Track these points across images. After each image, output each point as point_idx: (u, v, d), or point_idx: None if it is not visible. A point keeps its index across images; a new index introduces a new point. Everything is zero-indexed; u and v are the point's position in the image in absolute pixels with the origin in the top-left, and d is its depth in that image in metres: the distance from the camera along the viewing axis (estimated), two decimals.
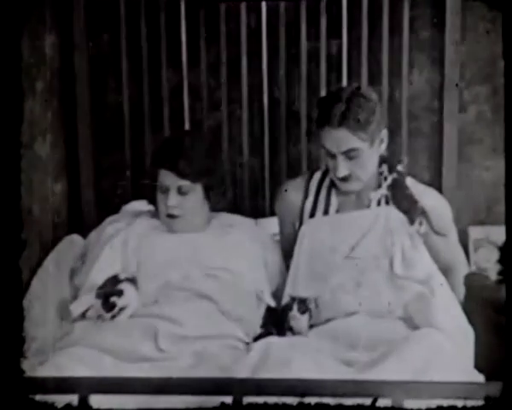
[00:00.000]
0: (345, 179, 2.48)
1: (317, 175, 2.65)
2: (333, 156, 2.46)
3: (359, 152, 2.45)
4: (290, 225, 2.64)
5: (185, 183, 2.56)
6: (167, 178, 2.57)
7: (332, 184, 2.59)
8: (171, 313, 2.39)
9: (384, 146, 2.53)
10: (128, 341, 2.32)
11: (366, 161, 2.47)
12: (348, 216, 2.55)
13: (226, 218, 2.72)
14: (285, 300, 2.52)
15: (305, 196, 2.61)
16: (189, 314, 2.41)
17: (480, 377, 2.31)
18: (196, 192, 2.58)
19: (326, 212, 2.57)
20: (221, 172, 2.67)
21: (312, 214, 2.58)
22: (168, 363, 2.29)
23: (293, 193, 2.63)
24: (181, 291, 2.48)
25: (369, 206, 2.55)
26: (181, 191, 2.56)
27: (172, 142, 2.67)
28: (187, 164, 2.55)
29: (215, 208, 2.67)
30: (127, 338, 2.32)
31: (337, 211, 2.57)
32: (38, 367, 2.18)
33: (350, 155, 2.44)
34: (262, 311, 2.56)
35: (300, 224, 2.59)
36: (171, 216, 2.58)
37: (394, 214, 2.51)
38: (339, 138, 2.43)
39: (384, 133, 2.52)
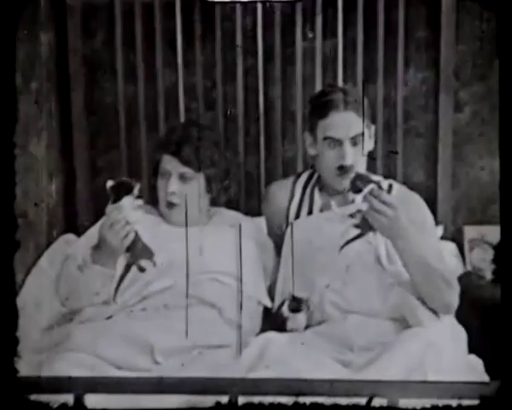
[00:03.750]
0: (346, 171, 2.43)
1: (304, 177, 2.63)
2: (336, 145, 2.43)
3: (363, 137, 2.42)
4: (277, 226, 2.62)
5: (187, 170, 2.50)
6: (170, 163, 2.51)
7: (316, 184, 2.58)
8: (170, 323, 2.36)
9: (372, 143, 2.53)
10: (124, 355, 2.28)
11: (363, 151, 2.45)
12: (331, 214, 2.51)
13: (227, 215, 2.67)
14: (277, 302, 2.50)
15: (291, 197, 2.60)
16: (190, 324, 2.35)
17: (479, 362, 2.33)
18: (198, 182, 2.53)
19: (310, 212, 2.56)
20: (225, 166, 2.61)
21: (298, 215, 2.56)
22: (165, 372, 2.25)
23: (279, 194, 2.62)
24: (184, 298, 2.42)
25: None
26: (182, 178, 2.51)
27: (179, 129, 2.62)
28: (191, 151, 2.50)
29: (216, 203, 2.62)
30: (123, 353, 2.28)
31: (321, 210, 2.56)
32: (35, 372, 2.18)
33: (356, 139, 2.42)
34: (260, 316, 2.53)
35: (287, 225, 2.56)
36: (169, 204, 2.52)
37: None
38: (347, 121, 2.42)
39: (373, 129, 2.53)
